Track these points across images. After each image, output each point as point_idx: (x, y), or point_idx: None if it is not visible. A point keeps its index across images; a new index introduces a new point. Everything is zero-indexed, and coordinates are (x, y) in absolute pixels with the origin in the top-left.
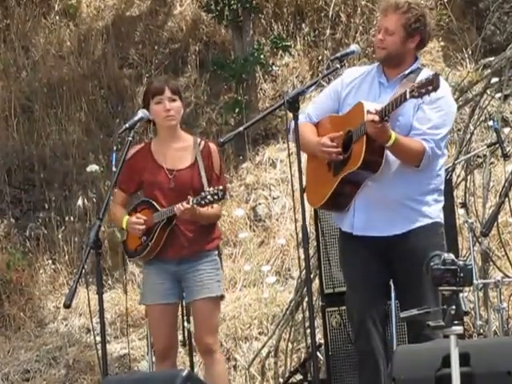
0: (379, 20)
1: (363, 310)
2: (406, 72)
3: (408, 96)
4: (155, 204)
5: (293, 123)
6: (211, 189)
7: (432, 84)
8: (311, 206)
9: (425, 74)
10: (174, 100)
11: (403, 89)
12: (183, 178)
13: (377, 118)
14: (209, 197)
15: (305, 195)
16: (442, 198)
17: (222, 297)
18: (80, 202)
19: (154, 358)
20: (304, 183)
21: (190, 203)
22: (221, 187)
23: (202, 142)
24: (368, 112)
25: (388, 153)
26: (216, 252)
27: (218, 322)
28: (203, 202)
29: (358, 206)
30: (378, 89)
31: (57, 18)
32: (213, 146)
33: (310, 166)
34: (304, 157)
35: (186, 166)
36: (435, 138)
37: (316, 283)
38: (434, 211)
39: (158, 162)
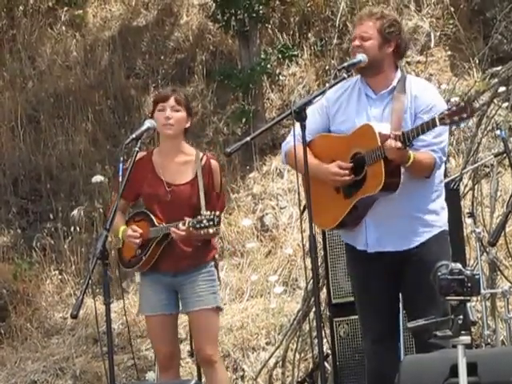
0: (355, 30)
1: (374, 333)
2: (395, 83)
3: (438, 123)
4: (152, 217)
5: (285, 145)
6: (208, 213)
7: (466, 112)
8: (321, 229)
9: (411, 82)
10: (177, 110)
11: (397, 102)
12: (181, 193)
13: (399, 144)
14: (204, 221)
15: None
16: (445, 204)
17: (218, 308)
18: (75, 212)
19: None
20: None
21: (186, 225)
22: (217, 213)
23: (204, 158)
24: (380, 135)
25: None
26: (212, 263)
27: (217, 333)
28: (198, 226)
29: (368, 222)
30: (367, 102)
31: (63, 28)
32: (214, 162)
33: (312, 188)
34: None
35: (186, 182)
36: (440, 147)
37: (323, 293)
38: (442, 219)
39: (158, 175)
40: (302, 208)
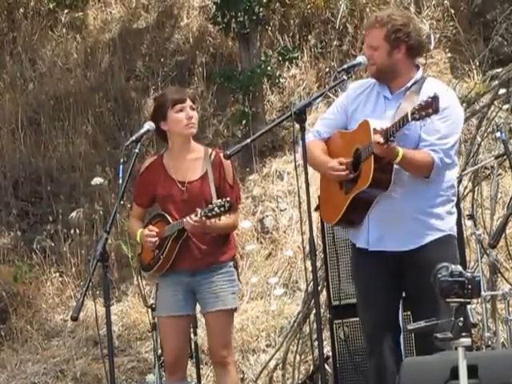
0: (365, 39)
1: (378, 328)
2: (409, 84)
3: (410, 118)
4: (168, 217)
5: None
6: (218, 201)
7: (431, 107)
8: (327, 224)
9: (429, 84)
10: (194, 109)
11: (407, 102)
12: (194, 189)
13: (381, 140)
14: (216, 209)
15: (317, 212)
16: (455, 209)
17: (235, 309)
18: (74, 214)
19: (161, 371)
20: (317, 201)
21: (198, 215)
22: (228, 199)
23: (213, 153)
24: (374, 131)
25: (398, 167)
26: (231, 263)
27: (232, 335)
28: (210, 214)
29: (371, 221)
30: (384, 103)
31: (63, 30)
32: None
33: (322, 184)
34: (313, 171)
35: (197, 178)
36: (444, 148)
37: (323, 295)
38: (447, 224)
39: (170, 175)
40: (315, 206)
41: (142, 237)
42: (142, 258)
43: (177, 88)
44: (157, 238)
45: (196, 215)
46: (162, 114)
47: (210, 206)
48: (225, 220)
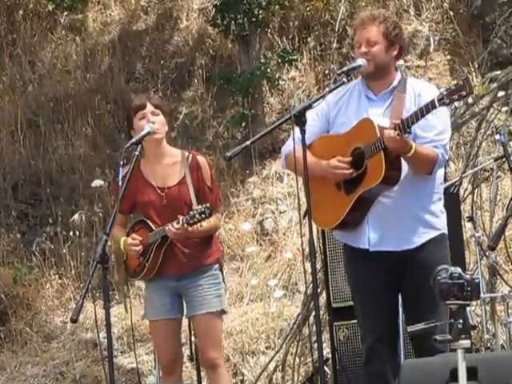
0: (357, 35)
1: (375, 333)
2: (395, 83)
3: (437, 104)
4: (150, 223)
5: (285, 149)
6: (199, 207)
7: (464, 89)
8: (323, 228)
9: (412, 83)
10: (157, 114)
11: (398, 100)
12: (174, 194)
13: (397, 132)
14: (197, 215)
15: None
16: (444, 209)
17: (222, 311)
18: (76, 216)
19: (161, 373)
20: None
21: (180, 223)
22: (208, 205)
23: (190, 156)
24: (379, 127)
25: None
26: (216, 266)
27: (221, 336)
28: (192, 221)
29: (371, 221)
30: (368, 104)
31: (63, 32)
32: (201, 158)
33: (312, 187)
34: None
35: (176, 183)
36: (442, 143)
37: (323, 297)
38: (442, 222)
39: (149, 181)
40: (303, 213)
41: (126, 245)
42: (128, 264)
43: (144, 94)
44: (141, 247)
45: (178, 223)
46: (129, 123)
47: (191, 212)
48: (206, 224)
